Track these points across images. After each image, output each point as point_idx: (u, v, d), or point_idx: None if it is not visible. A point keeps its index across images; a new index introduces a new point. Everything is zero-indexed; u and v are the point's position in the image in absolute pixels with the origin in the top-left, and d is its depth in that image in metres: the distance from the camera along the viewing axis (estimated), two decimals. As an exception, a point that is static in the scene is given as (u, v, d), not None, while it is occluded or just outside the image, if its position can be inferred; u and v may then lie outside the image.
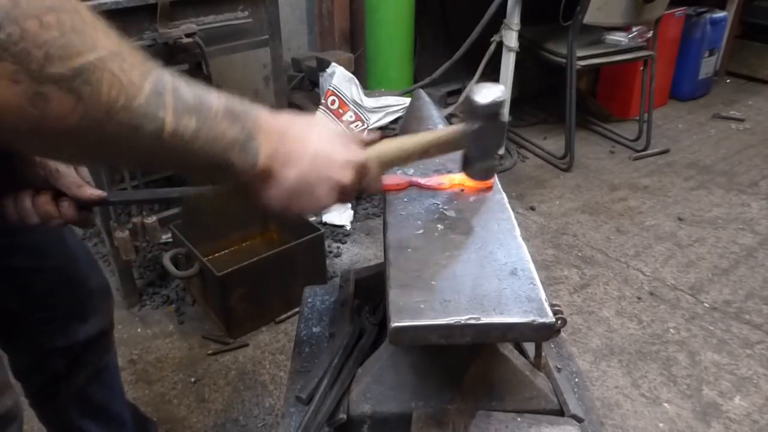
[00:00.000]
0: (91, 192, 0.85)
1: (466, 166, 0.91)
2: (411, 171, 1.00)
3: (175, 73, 0.57)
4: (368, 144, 0.79)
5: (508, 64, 2.94)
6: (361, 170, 0.74)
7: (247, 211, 2.31)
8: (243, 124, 0.62)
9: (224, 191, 0.78)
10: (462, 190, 0.95)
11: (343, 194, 0.73)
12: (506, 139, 3.20)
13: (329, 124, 0.74)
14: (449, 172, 0.98)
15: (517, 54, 2.92)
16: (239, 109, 0.62)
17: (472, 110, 0.83)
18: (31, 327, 1.14)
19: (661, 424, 1.72)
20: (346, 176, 0.71)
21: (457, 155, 0.92)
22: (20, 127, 0.48)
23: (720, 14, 3.88)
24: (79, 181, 0.86)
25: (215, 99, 0.60)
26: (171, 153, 0.57)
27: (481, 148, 0.87)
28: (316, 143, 0.69)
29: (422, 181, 0.95)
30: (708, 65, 4.04)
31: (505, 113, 0.87)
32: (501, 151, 3.21)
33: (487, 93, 0.82)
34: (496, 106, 0.82)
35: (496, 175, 0.98)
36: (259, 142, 0.63)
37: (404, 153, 0.82)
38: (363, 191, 0.78)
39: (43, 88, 0.47)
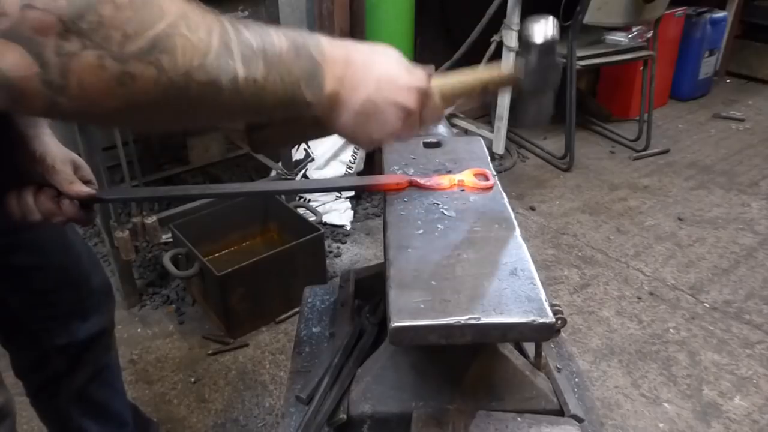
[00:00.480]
0: (79, 189, 0.85)
1: (519, 111, 0.91)
2: (411, 171, 1.00)
3: (234, 20, 0.58)
4: (429, 75, 0.78)
5: (508, 64, 2.94)
6: (425, 97, 0.73)
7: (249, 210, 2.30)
8: (308, 57, 0.62)
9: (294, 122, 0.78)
10: (462, 190, 0.95)
11: (408, 120, 0.72)
12: (507, 139, 3.20)
13: (392, 51, 0.72)
14: (449, 172, 0.98)
15: (517, 54, 2.92)
16: (301, 42, 0.62)
17: (527, 47, 0.82)
18: (32, 325, 1.14)
19: (661, 424, 1.72)
20: (411, 100, 0.70)
21: (460, 154, 0.92)
22: (113, 107, 0.50)
23: (720, 14, 3.88)
24: (71, 177, 0.86)
25: (277, 37, 0.60)
26: (248, 99, 0.58)
27: (537, 86, 0.86)
28: (380, 67, 0.69)
29: (422, 181, 0.96)
30: (708, 65, 4.04)
31: (558, 52, 0.86)
32: (501, 151, 3.21)
33: (541, 30, 0.81)
34: (551, 43, 0.81)
35: (496, 176, 0.98)
36: (325, 71, 0.64)
37: (464, 87, 0.81)
38: (426, 120, 0.76)
39: (127, 67, 0.48)
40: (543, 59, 0.82)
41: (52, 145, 0.90)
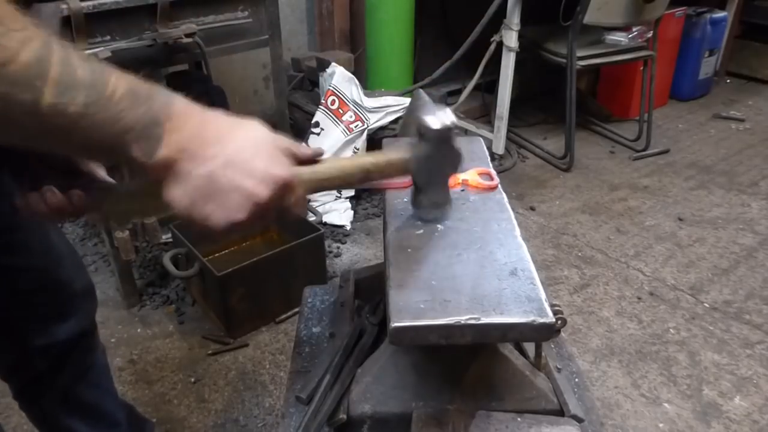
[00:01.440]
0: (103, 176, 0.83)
1: (414, 197, 0.84)
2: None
3: (72, 46, 0.54)
4: (304, 161, 0.70)
5: (508, 64, 2.95)
6: (283, 189, 0.64)
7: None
8: (148, 108, 0.56)
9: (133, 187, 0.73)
10: (463, 190, 0.95)
11: (259, 212, 0.63)
12: (507, 139, 3.20)
13: (261, 129, 0.64)
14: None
15: (517, 54, 2.92)
16: (146, 93, 0.57)
17: (422, 133, 0.76)
18: (11, 325, 1.13)
19: (661, 424, 1.72)
20: (263, 191, 0.62)
21: (463, 154, 0.92)
22: None
23: (720, 14, 3.88)
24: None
25: (116, 78, 0.55)
26: (53, 128, 0.53)
27: (430, 176, 0.80)
28: (236, 145, 0.61)
29: None
30: (708, 65, 4.04)
31: (458, 141, 0.78)
32: (501, 151, 3.21)
33: (440, 116, 0.74)
34: (447, 131, 0.75)
35: (497, 176, 0.98)
36: (165, 131, 0.58)
37: (342, 175, 0.74)
38: (281, 215, 0.68)
39: None
40: (438, 148, 0.76)
41: None
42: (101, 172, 0.84)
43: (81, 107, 0.52)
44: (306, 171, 0.70)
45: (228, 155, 0.60)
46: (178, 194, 0.61)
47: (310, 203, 2.60)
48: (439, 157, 0.78)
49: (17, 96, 0.49)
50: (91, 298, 1.24)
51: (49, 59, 0.51)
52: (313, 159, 0.72)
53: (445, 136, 0.76)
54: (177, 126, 0.58)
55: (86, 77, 0.53)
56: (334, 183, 0.74)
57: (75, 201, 0.79)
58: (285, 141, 0.67)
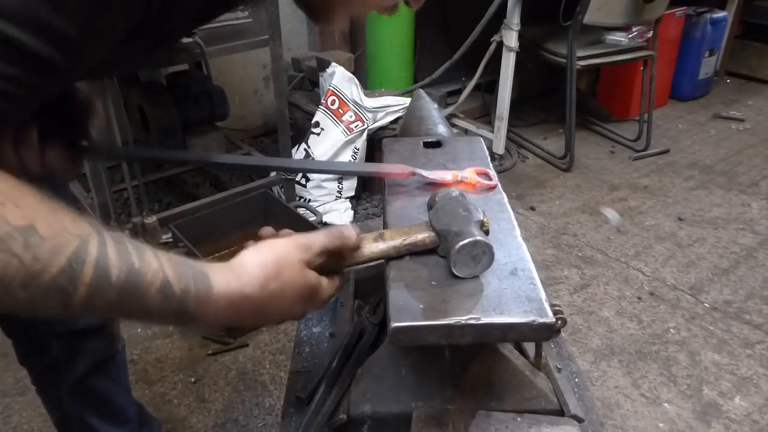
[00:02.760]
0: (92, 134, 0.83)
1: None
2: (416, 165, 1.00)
3: (113, 236, 0.54)
4: (342, 250, 0.74)
5: (508, 64, 2.95)
6: (322, 304, 0.73)
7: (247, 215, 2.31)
8: (179, 305, 0.57)
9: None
10: (464, 189, 0.95)
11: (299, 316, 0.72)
12: (507, 139, 3.20)
13: (287, 260, 0.66)
14: (451, 170, 0.98)
15: (517, 54, 2.92)
16: (182, 287, 0.57)
17: (448, 243, 0.75)
18: None
19: (661, 424, 1.72)
20: (300, 313, 0.71)
21: (460, 154, 0.92)
22: None
23: (720, 14, 3.88)
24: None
25: (152, 275, 0.55)
26: (89, 312, 0.54)
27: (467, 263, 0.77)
28: (272, 311, 0.66)
29: (425, 173, 0.95)
30: (708, 65, 4.03)
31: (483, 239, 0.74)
32: (501, 151, 3.21)
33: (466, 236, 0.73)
34: (473, 244, 0.73)
35: (497, 177, 0.98)
36: (200, 316, 0.60)
37: (374, 257, 0.78)
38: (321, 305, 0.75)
39: None
40: (463, 256, 0.74)
41: None
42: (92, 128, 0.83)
43: (112, 303, 0.53)
44: (337, 280, 0.75)
45: (263, 313, 0.66)
46: (212, 325, 0.66)
47: (311, 203, 2.60)
48: (467, 248, 0.74)
49: (47, 302, 0.50)
50: None
51: (83, 264, 0.51)
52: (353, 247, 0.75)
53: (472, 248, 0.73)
54: (214, 311, 0.60)
55: (120, 279, 0.53)
56: (376, 258, 0.78)
57: (49, 158, 0.76)
58: (315, 246, 0.70)
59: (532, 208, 2.84)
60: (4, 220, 0.47)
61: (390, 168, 0.96)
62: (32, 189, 0.50)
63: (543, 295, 0.72)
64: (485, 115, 3.62)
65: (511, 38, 2.87)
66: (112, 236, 0.54)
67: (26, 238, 0.47)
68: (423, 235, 0.78)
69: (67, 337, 1.19)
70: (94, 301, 0.52)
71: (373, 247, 0.77)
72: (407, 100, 2.71)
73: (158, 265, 0.56)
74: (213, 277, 0.60)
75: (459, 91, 3.36)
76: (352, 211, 2.70)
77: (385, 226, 0.89)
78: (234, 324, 0.67)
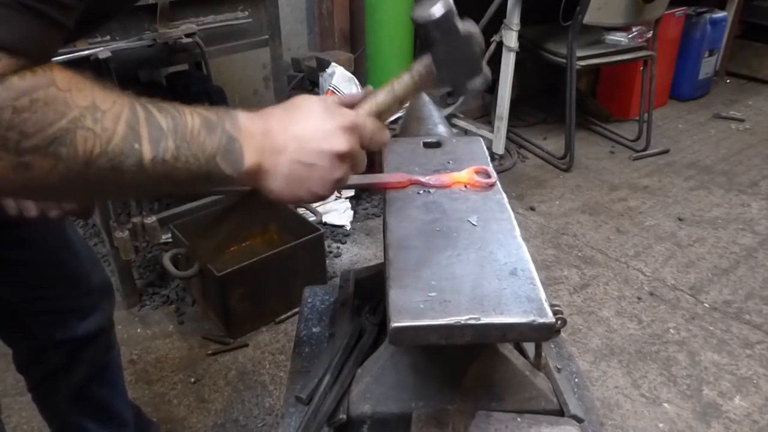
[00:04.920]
0: None
1: (454, 95, 0.83)
2: (417, 169, 1.00)
3: (147, 101, 0.60)
4: (355, 104, 0.76)
5: (508, 64, 2.95)
6: (356, 130, 0.71)
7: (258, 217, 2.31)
8: (221, 130, 0.63)
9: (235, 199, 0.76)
10: (465, 187, 0.95)
11: (351, 160, 0.71)
12: (507, 139, 3.20)
13: (309, 100, 0.71)
14: (451, 171, 0.98)
15: (517, 54, 2.92)
16: (214, 119, 0.63)
17: (425, 32, 0.74)
18: (29, 318, 1.15)
19: (661, 424, 1.72)
20: (341, 143, 0.68)
21: (460, 154, 0.92)
22: (10, 189, 0.55)
23: (720, 14, 3.88)
24: None
25: (189, 116, 0.62)
26: (158, 177, 0.60)
27: (456, 69, 0.77)
28: (298, 125, 0.68)
29: (424, 179, 0.95)
30: (708, 65, 4.04)
31: (465, 25, 0.73)
32: (501, 151, 3.21)
33: (435, 5, 0.70)
34: (446, 17, 0.71)
35: (496, 175, 0.98)
36: (243, 144, 0.64)
37: (396, 99, 0.78)
38: (371, 147, 0.74)
39: (23, 159, 0.51)
40: (447, 38, 0.72)
41: None
42: None
43: (173, 151, 0.59)
44: (365, 107, 0.76)
45: (297, 135, 0.67)
46: (276, 189, 0.68)
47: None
48: (453, 45, 0.75)
49: (124, 163, 0.57)
50: (110, 295, 1.26)
51: (138, 122, 0.58)
52: (363, 99, 0.78)
53: (445, 22, 0.72)
54: (248, 134, 0.65)
55: (169, 124, 0.60)
56: (393, 106, 0.77)
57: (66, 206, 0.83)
58: (332, 98, 0.75)
59: (532, 208, 2.84)
60: (74, 103, 0.53)
61: (388, 178, 0.96)
62: (83, 74, 0.56)
63: (543, 295, 0.72)
64: (485, 115, 3.62)
65: (510, 38, 2.87)
66: (145, 99, 0.60)
67: (93, 114, 0.54)
68: (420, 66, 0.78)
69: (67, 345, 1.19)
70: (159, 153, 0.58)
71: (382, 91, 0.78)
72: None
73: (189, 109, 0.62)
74: (232, 112, 0.66)
75: (459, 91, 3.35)
76: (352, 212, 2.70)
77: (384, 225, 0.89)
78: (276, 147, 0.66)
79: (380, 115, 0.77)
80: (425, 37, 0.75)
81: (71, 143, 0.53)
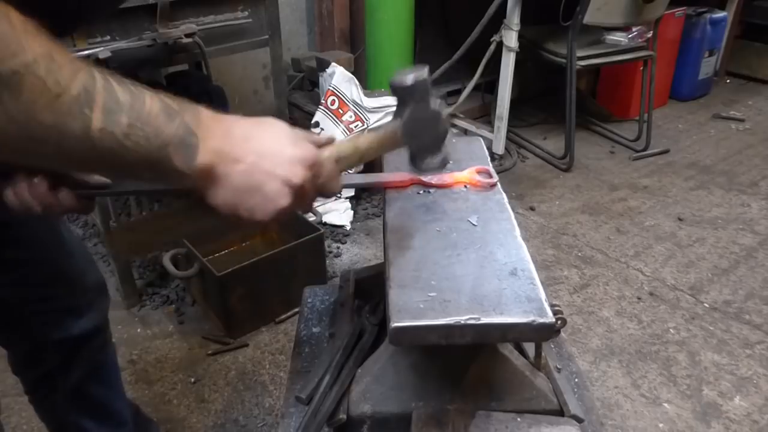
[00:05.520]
0: (97, 178, 0.85)
1: (415, 162, 0.84)
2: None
3: (109, 73, 0.57)
4: (322, 145, 0.76)
5: (508, 64, 2.95)
6: (314, 168, 0.69)
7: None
8: (181, 120, 0.61)
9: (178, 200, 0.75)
10: (466, 187, 0.95)
11: (299, 194, 0.68)
12: (507, 139, 3.20)
13: (279, 124, 0.69)
14: (451, 171, 0.98)
15: (517, 54, 2.92)
16: (176, 108, 0.61)
17: (399, 97, 0.78)
18: (25, 318, 1.14)
19: (661, 425, 1.72)
20: (297, 173, 0.66)
21: (460, 154, 0.92)
22: None
23: (720, 14, 3.88)
24: None
25: (150, 97, 0.59)
26: (104, 152, 0.56)
27: (421, 137, 0.80)
28: (261, 142, 0.66)
29: (425, 179, 0.95)
30: (708, 65, 4.04)
31: (436, 103, 0.79)
32: (501, 151, 3.21)
33: (410, 75, 0.76)
34: (421, 84, 0.76)
35: (496, 175, 0.98)
36: (200, 138, 0.62)
37: (357, 151, 0.78)
38: (321, 191, 0.73)
39: None
40: (419, 105, 0.77)
41: None
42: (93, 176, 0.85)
43: (125, 128, 0.56)
44: (328, 151, 0.75)
45: (258, 150, 0.65)
46: (221, 196, 0.65)
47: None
48: (422, 114, 0.78)
49: (70, 125, 0.53)
50: (104, 294, 1.26)
51: (95, 88, 0.55)
52: (327, 143, 0.77)
53: (420, 90, 0.76)
54: (208, 133, 0.62)
55: (127, 100, 0.57)
56: (354, 159, 0.78)
57: (63, 199, 0.81)
58: (301, 131, 0.72)
59: (532, 208, 2.84)
60: (28, 47, 0.50)
61: (390, 177, 0.96)
62: (44, 30, 0.53)
63: (543, 295, 0.72)
64: (485, 115, 3.62)
65: (510, 38, 2.87)
66: (106, 70, 0.58)
67: (47, 64, 0.51)
68: (388, 128, 0.79)
69: (63, 345, 1.18)
70: (110, 125, 0.55)
71: (349, 142, 0.79)
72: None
73: (151, 92, 0.60)
74: (198, 107, 0.64)
75: (459, 91, 3.36)
76: (352, 212, 2.70)
77: (384, 226, 0.89)
78: (231, 167, 0.64)
79: (339, 162, 0.76)
80: (399, 102, 0.78)
81: (17, 88, 0.50)
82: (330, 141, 0.77)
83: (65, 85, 0.53)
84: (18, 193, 0.81)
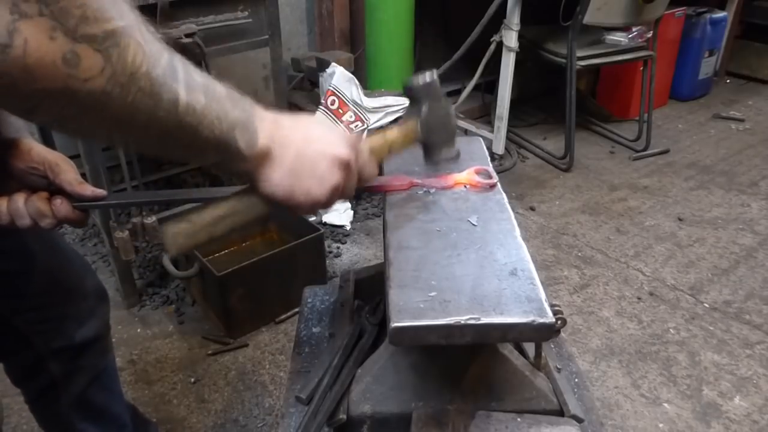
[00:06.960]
0: (93, 190, 0.85)
1: (430, 156, 0.93)
2: (416, 169, 1.00)
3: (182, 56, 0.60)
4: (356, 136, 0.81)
5: (508, 64, 2.95)
6: (356, 150, 0.75)
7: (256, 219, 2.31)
8: (243, 108, 0.65)
9: (231, 197, 0.76)
10: (465, 187, 0.95)
11: (346, 173, 0.72)
12: (507, 139, 3.20)
13: (316, 117, 0.76)
14: (451, 172, 0.98)
15: (517, 54, 2.92)
16: (237, 95, 0.65)
17: (414, 97, 0.88)
18: (25, 329, 1.13)
19: (661, 425, 1.72)
20: (344, 152, 0.71)
21: (460, 154, 0.93)
22: (51, 85, 0.48)
23: (720, 14, 3.88)
24: (80, 178, 0.86)
25: (218, 83, 0.63)
26: (185, 126, 0.58)
27: (438, 132, 0.90)
28: (307, 127, 0.71)
29: (424, 181, 0.95)
30: (708, 65, 4.04)
31: (447, 101, 0.91)
32: (501, 152, 3.21)
33: (424, 76, 0.87)
34: (434, 85, 0.86)
35: (496, 175, 0.98)
36: (258, 124, 0.66)
37: (386, 143, 0.85)
38: (361, 174, 0.78)
39: (76, 47, 0.48)
40: (432, 103, 0.87)
41: (42, 147, 0.89)
42: (81, 187, 0.85)
43: (203, 106, 0.59)
44: (363, 140, 0.81)
45: (305, 135, 0.70)
46: (277, 179, 0.69)
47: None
48: (436, 112, 0.87)
49: (163, 95, 0.55)
50: (104, 301, 1.25)
51: (177, 63, 0.57)
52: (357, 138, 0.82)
53: (432, 89, 0.87)
54: (263, 120, 0.67)
55: (202, 80, 0.60)
56: (382, 151, 0.86)
57: (59, 209, 0.82)
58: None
59: (532, 209, 2.84)
60: (126, 13, 0.52)
61: (389, 180, 0.96)
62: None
63: (543, 295, 0.72)
64: (485, 115, 3.62)
65: (510, 38, 2.87)
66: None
67: (142, 32, 0.53)
68: (409, 125, 0.88)
69: (65, 354, 1.18)
70: (192, 101, 0.57)
71: (375, 136, 0.86)
72: (407, 100, 2.71)
73: (215, 79, 0.63)
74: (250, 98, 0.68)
75: (459, 91, 3.36)
76: (352, 212, 2.70)
77: (384, 225, 0.89)
78: (284, 150, 0.68)
79: (374, 151, 0.83)
80: (413, 102, 0.89)
81: (124, 48, 0.51)
82: (361, 136, 0.83)
83: (158, 56, 0.54)
84: (11, 204, 0.80)
